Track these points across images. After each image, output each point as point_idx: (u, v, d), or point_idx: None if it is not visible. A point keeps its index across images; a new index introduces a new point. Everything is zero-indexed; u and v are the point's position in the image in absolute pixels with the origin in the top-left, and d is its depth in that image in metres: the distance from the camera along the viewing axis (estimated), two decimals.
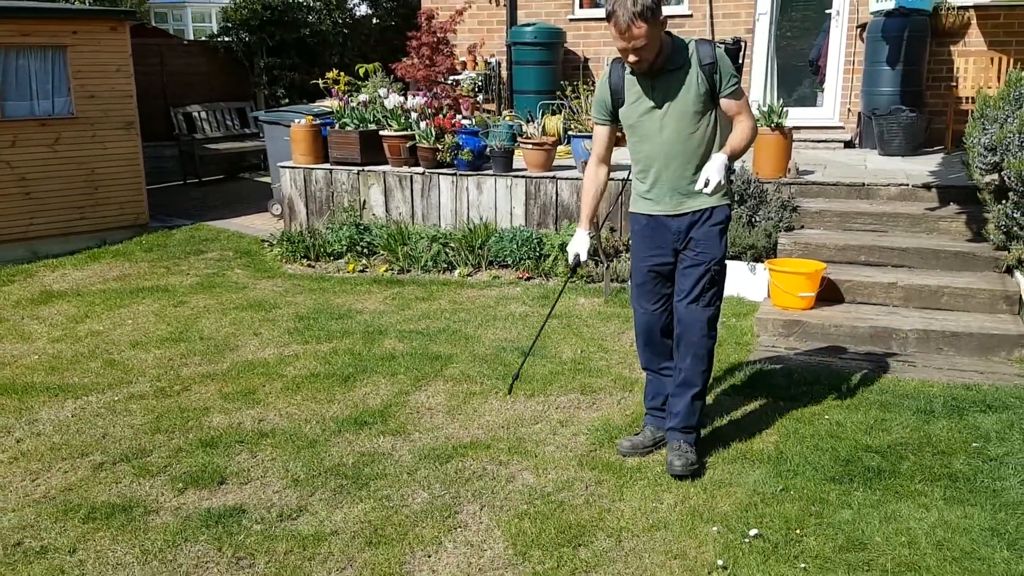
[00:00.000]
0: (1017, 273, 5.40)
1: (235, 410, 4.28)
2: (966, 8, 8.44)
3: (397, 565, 2.94)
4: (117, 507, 3.36)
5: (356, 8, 12.80)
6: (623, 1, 3.13)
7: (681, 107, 3.33)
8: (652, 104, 3.37)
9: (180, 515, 3.30)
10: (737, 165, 6.47)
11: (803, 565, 2.84)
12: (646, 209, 3.53)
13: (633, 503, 3.29)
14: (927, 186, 6.36)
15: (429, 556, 3.01)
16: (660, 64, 3.30)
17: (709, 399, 4.08)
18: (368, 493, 3.43)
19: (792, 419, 3.95)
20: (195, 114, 11.55)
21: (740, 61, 8.97)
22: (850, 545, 2.95)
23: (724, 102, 3.38)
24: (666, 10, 9.53)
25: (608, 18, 3.20)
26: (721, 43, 8.68)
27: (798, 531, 3.04)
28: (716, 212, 3.45)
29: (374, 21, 13.11)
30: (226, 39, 11.96)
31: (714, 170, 3.24)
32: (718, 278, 3.50)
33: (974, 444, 3.63)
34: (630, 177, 3.73)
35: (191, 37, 15.53)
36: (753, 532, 3.03)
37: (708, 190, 3.24)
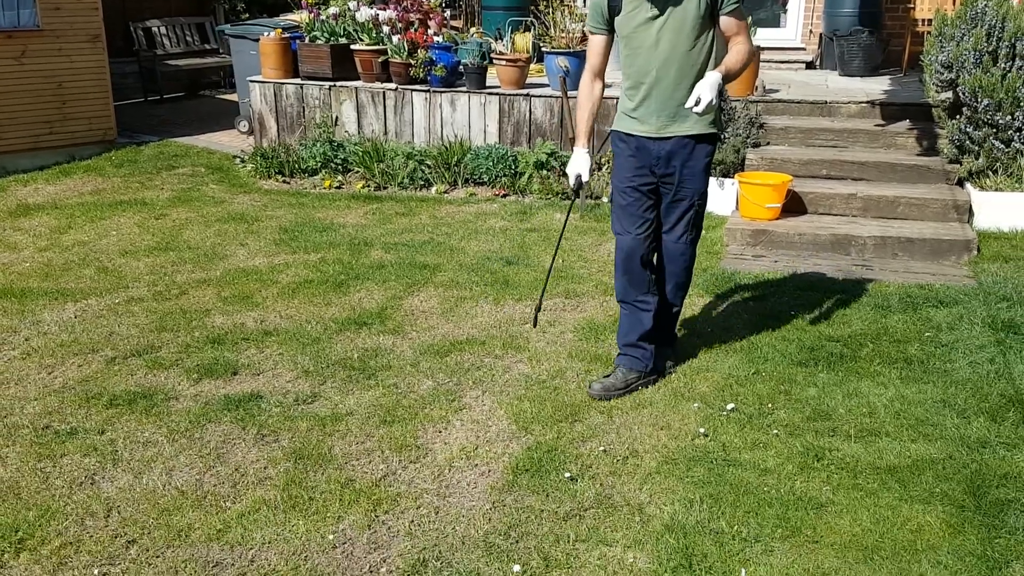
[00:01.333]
0: (968, 184, 5.76)
1: (235, 312, 4.46)
2: None
3: (412, 439, 3.21)
4: (137, 394, 3.56)
5: None
6: None
7: (680, 20, 3.22)
8: (651, 13, 3.24)
9: (200, 401, 3.52)
10: None
11: (775, 431, 3.18)
12: (630, 128, 3.43)
13: None
14: (885, 104, 6.66)
15: (440, 432, 3.28)
16: None
17: (685, 302, 4.38)
18: (376, 382, 3.68)
19: (760, 315, 4.28)
20: (154, 29, 11.29)
21: None
22: (816, 416, 3.29)
23: (724, 20, 3.28)
24: None
25: None
26: None
27: (769, 405, 3.38)
28: (699, 147, 3.37)
29: None
30: None
31: (707, 87, 3.11)
32: (701, 210, 3.52)
33: (927, 333, 4.00)
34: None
35: None
36: (730, 407, 3.37)
37: (699, 108, 3.11)
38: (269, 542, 2.65)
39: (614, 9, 3.34)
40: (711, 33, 3.29)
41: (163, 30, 11.37)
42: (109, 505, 2.83)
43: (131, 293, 4.74)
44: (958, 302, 4.34)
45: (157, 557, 2.59)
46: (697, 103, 3.12)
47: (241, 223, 6.09)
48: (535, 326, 4.06)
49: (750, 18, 7.09)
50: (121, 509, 2.81)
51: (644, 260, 3.52)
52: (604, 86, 3.53)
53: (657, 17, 3.24)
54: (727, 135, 6.33)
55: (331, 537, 2.67)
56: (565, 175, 4.64)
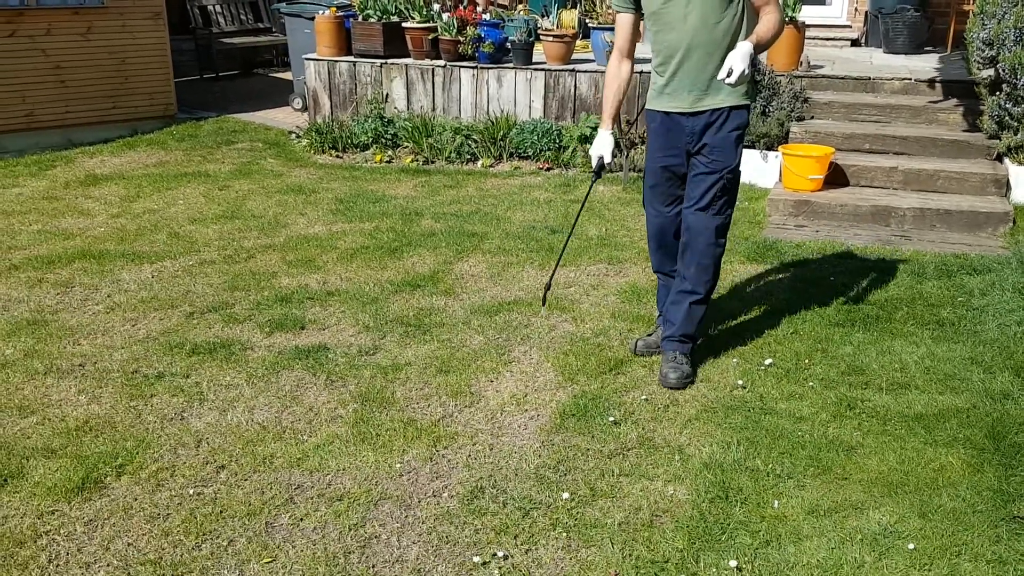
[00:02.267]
0: (1007, 160, 5.84)
1: (300, 274, 4.75)
2: None
3: (466, 386, 3.47)
4: (216, 344, 3.87)
5: None
6: None
7: None
8: None
9: (273, 351, 3.81)
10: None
11: (811, 384, 3.38)
12: (662, 106, 3.41)
13: None
14: (928, 81, 6.73)
15: (491, 381, 3.54)
16: None
17: (726, 266, 4.58)
18: (431, 337, 3.94)
19: (800, 280, 4.45)
20: (210, 7, 11.63)
21: None
22: (851, 371, 3.48)
23: None
24: None
25: None
26: None
27: (806, 361, 3.57)
28: (733, 116, 3.33)
29: None
30: None
31: (738, 58, 3.08)
32: (730, 187, 3.39)
33: (960, 298, 4.15)
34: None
35: None
36: (768, 361, 3.57)
37: (731, 80, 3.09)
38: (343, 469, 2.93)
39: None
40: (741, 3, 3.24)
41: (218, 8, 11.71)
42: (198, 437, 3.14)
43: (203, 256, 5.06)
44: (991, 270, 4.47)
45: (245, 480, 2.88)
46: (729, 74, 3.09)
47: (299, 194, 6.38)
48: (544, 305, 3.96)
49: None
50: (209, 441, 3.12)
51: (677, 233, 3.54)
52: (632, 65, 3.50)
53: None
54: (772, 108, 6.46)
55: (397, 466, 2.94)
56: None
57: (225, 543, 2.58)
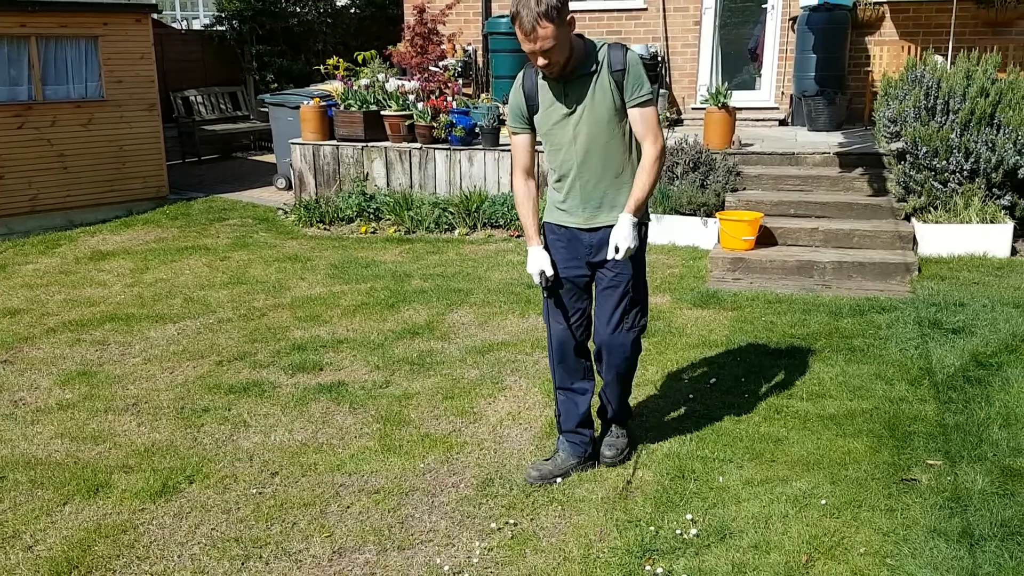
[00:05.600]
0: (913, 219, 6.84)
1: (310, 327, 5.45)
2: (881, 3, 9.90)
3: (469, 408, 4.19)
4: (248, 384, 4.54)
5: None
6: (527, 1, 3.00)
7: (594, 114, 3.21)
8: (565, 111, 3.23)
9: (299, 387, 4.50)
10: (690, 137, 7.84)
11: (747, 396, 4.17)
12: (559, 219, 3.40)
13: None
14: (844, 154, 7.78)
15: (490, 403, 4.26)
16: (572, 68, 3.17)
17: (675, 312, 5.41)
18: (434, 372, 4.66)
19: (737, 320, 5.29)
20: (192, 98, 12.49)
21: (657, 82, 9.86)
22: (778, 386, 4.29)
23: (630, 112, 3.21)
24: (620, 3, 10.88)
25: (512, 20, 3.06)
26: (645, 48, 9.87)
27: (743, 380, 4.37)
28: None
29: (352, 11, 14.15)
30: (220, 28, 12.91)
31: (622, 236, 3.13)
32: (638, 297, 3.39)
33: (869, 331, 5.01)
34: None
35: (181, 25, 16.38)
36: (712, 381, 4.36)
37: (619, 256, 3.14)
38: (375, 471, 3.61)
39: (532, 108, 3.32)
40: (628, 122, 3.27)
41: (200, 98, 12.57)
42: (250, 453, 3.80)
43: (219, 316, 5.73)
44: (897, 309, 5.36)
45: (296, 482, 3.54)
46: (617, 251, 3.13)
47: (296, 262, 7.11)
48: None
49: (726, 84, 8.29)
50: (260, 455, 3.78)
51: (578, 349, 3.50)
52: (537, 181, 3.50)
53: (571, 114, 3.23)
54: (709, 182, 7.41)
55: (421, 466, 3.63)
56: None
57: (290, 525, 3.24)
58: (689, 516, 3.16)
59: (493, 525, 3.18)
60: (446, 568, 2.96)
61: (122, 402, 4.39)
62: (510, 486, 3.45)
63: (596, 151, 3.25)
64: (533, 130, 3.38)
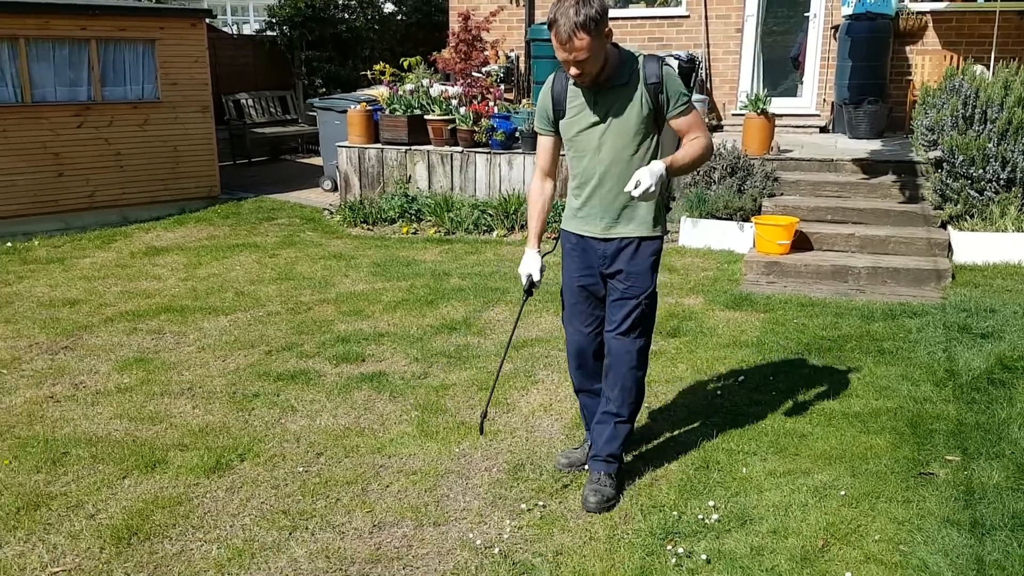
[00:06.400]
0: (948, 227, 6.87)
1: (353, 321, 5.68)
2: (923, 13, 9.90)
3: (503, 399, 4.37)
4: (295, 373, 4.77)
5: (383, 6, 14.16)
6: (565, 10, 2.96)
7: (622, 125, 3.20)
8: (593, 119, 3.22)
9: (342, 377, 4.72)
10: (729, 143, 7.94)
11: (774, 393, 4.29)
12: (576, 228, 3.41)
13: (656, 369, 4.70)
14: (883, 162, 7.82)
15: (522, 395, 4.44)
16: (604, 78, 3.16)
17: (708, 313, 5.53)
18: (470, 365, 4.85)
19: (769, 322, 5.40)
20: (243, 101, 12.88)
21: (692, 82, 10.03)
22: (806, 385, 4.40)
23: (674, 123, 3.25)
24: (663, 10, 11.01)
25: (549, 26, 3.03)
26: (676, 57, 9.98)
27: (771, 379, 4.49)
28: (645, 245, 3.31)
29: (399, 18, 14.47)
30: (271, 34, 13.30)
31: (647, 174, 3.03)
32: (648, 311, 3.38)
33: (899, 335, 5.09)
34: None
35: (232, 30, 16.89)
36: (741, 378, 4.48)
37: (636, 192, 3.01)
38: (413, 455, 3.80)
39: (559, 112, 3.32)
40: (655, 138, 3.28)
41: (250, 102, 12.96)
42: (298, 435, 4.02)
43: (268, 309, 5.99)
44: (928, 314, 5.42)
45: (339, 463, 3.76)
46: (637, 185, 3.02)
47: (340, 260, 7.36)
48: (482, 433, 3.82)
49: (765, 91, 8.37)
50: (307, 437, 4.00)
51: (597, 353, 3.53)
52: (555, 184, 3.50)
53: (599, 123, 3.23)
54: (746, 187, 7.51)
55: (456, 451, 3.82)
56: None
57: (334, 500, 3.45)
58: (711, 503, 3.30)
59: (523, 506, 3.36)
60: (478, 542, 3.14)
61: (177, 387, 4.65)
62: (540, 471, 3.62)
63: (620, 162, 3.24)
64: (558, 133, 3.37)
